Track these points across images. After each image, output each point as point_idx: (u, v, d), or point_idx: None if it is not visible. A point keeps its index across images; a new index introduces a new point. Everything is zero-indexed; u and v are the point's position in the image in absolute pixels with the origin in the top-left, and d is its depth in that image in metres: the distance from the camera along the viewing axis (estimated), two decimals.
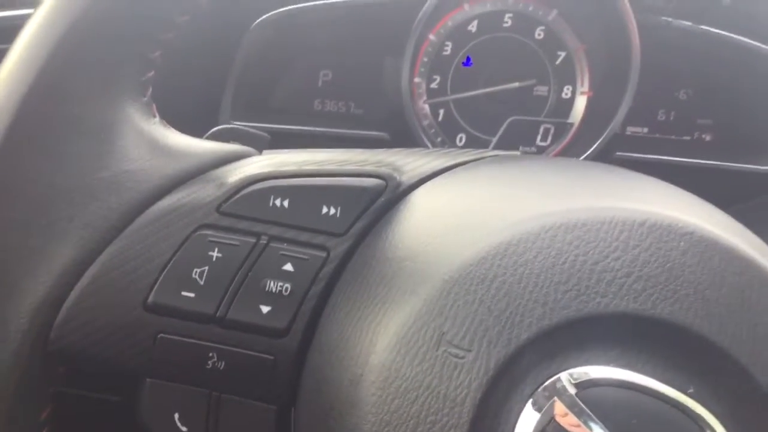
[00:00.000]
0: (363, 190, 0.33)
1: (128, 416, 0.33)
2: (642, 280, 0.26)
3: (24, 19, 0.32)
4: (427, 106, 0.70)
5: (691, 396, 0.26)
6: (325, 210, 0.33)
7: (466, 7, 0.68)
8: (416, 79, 0.69)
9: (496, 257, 0.27)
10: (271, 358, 0.32)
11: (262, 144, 0.38)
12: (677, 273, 0.27)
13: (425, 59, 0.69)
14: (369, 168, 0.34)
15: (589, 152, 0.69)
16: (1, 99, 0.30)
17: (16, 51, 0.31)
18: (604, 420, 0.25)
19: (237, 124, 0.54)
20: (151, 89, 0.34)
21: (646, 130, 0.73)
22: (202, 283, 0.31)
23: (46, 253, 0.31)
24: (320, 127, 0.69)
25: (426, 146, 0.69)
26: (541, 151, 0.71)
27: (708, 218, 0.29)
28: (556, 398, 0.26)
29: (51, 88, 0.30)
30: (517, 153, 0.38)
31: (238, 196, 0.33)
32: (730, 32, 0.66)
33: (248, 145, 0.37)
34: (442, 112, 0.71)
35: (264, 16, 0.65)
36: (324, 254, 0.32)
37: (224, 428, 0.33)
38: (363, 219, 0.33)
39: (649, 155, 0.70)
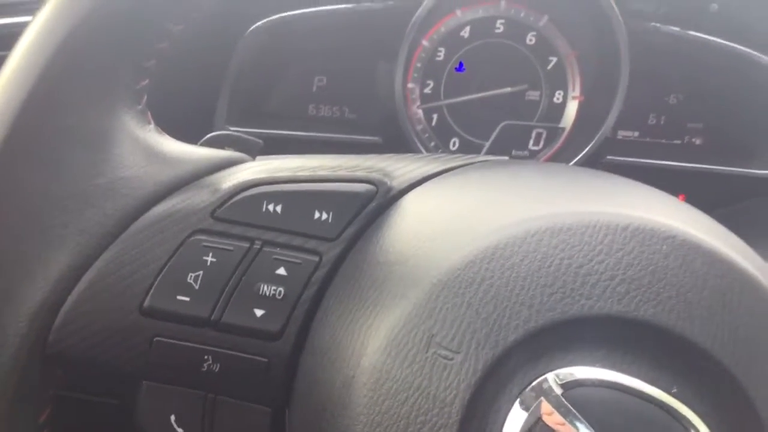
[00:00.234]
0: (354, 195, 0.33)
1: (125, 418, 0.34)
2: (625, 282, 0.27)
3: (22, 26, 0.32)
4: (420, 111, 0.71)
5: (674, 396, 0.26)
6: (317, 215, 0.33)
7: (459, 13, 0.69)
8: (410, 85, 0.70)
9: (484, 261, 0.28)
10: (265, 360, 0.32)
11: (255, 150, 0.38)
12: (660, 276, 0.27)
13: (418, 65, 0.70)
14: (360, 173, 0.34)
15: (580, 156, 0.69)
16: None
17: (13, 60, 0.31)
18: (589, 419, 0.26)
19: (232, 130, 0.55)
20: (146, 97, 0.35)
21: (636, 134, 0.74)
22: (196, 287, 0.32)
23: (42, 259, 0.31)
24: (315, 132, 0.70)
25: (419, 151, 0.69)
26: (533, 155, 0.71)
27: (691, 222, 0.30)
28: (542, 398, 0.26)
29: (47, 96, 0.31)
30: (506, 158, 0.38)
31: (231, 201, 0.33)
32: (719, 38, 0.67)
33: (242, 150, 0.38)
34: (435, 116, 0.72)
35: (259, 23, 0.66)
36: (316, 258, 0.33)
37: (219, 430, 0.33)
38: (354, 224, 0.33)
39: (640, 159, 0.71)
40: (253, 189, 0.33)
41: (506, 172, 0.36)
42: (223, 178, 0.34)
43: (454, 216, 0.31)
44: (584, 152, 0.69)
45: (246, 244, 0.33)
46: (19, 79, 0.31)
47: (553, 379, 0.26)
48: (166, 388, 0.33)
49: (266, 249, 0.33)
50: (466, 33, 0.70)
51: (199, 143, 0.38)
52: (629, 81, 0.67)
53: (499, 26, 0.70)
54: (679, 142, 0.74)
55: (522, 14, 0.69)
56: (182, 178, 0.34)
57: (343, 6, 0.67)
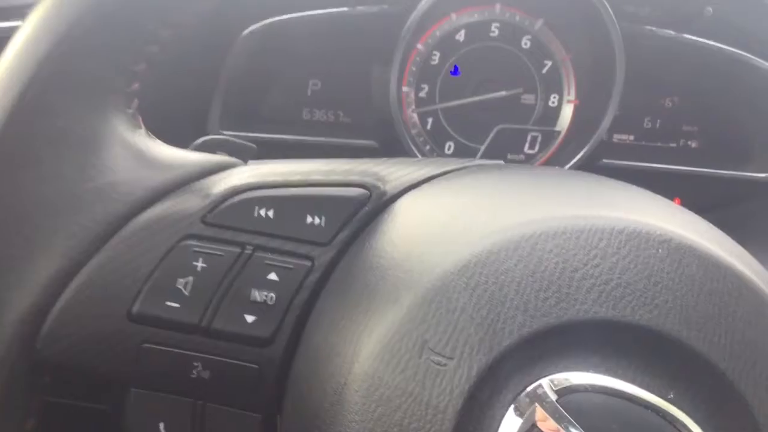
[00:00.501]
0: (347, 199, 0.33)
1: (114, 426, 0.33)
2: (621, 287, 0.27)
3: (11, 31, 0.32)
4: (415, 115, 0.71)
5: (671, 401, 0.26)
6: (309, 219, 0.33)
7: (454, 16, 0.69)
8: (405, 88, 0.70)
9: (478, 266, 0.27)
10: (256, 367, 0.32)
11: (248, 154, 0.38)
12: (656, 280, 0.27)
13: (413, 68, 0.70)
14: (353, 178, 0.34)
15: (575, 160, 0.69)
16: None
17: (2, 63, 0.31)
18: (584, 426, 0.25)
19: (226, 134, 0.54)
20: (136, 101, 0.34)
21: (632, 137, 0.74)
22: (186, 293, 0.32)
23: (30, 263, 0.31)
24: (309, 136, 0.69)
25: (415, 155, 0.69)
26: (528, 158, 0.71)
27: (687, 225, 0.30)
28: (537, 404, 0.26)
29: (36, 100, 0.31)
30: (500, 162, 0.38)
31: (222, 206, 0.33)
32: (713, 41, 0.67)
33: (234, 155, 0.37)
34: (430, 120, 0.71)
35: (253, 27, 0.65)
36: (309, 263, 0.32)
37: None
38: (347, 228, 0.33)
39: (635, 162, 0.70)
40: (245, 194, 0.33)
41: (500, 176, 0.36)
42: (214, 183, 0.34)
43: (447, 220, 0.31)
44: (580, 156, 0.69)
45: (237, 249, 0.32)
46: (8, 83, 0.31)
47: (547, 384, 0.26)
48: (155, 395, 0.32)
49: (257, 254, 0.32)
50: (461, 37, 0.70)
51: (190, 147, 0.38)
52: (624, 84, 0.67)
53: (494, 30, 0.70)
54: (674, 145, 0.74)
55: (517, 18, 0.69)
56: (172, 182, 0.33)
57: (337, 10, 0.67)
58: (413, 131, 0.71)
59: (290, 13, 0.66)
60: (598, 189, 0.34)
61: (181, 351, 0.32)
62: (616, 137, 0.73)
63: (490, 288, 0.27)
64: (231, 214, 0.33)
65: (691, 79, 0.70)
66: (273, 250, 0.32)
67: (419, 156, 0.69)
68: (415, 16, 0.66)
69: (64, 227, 0.31)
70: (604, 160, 0.70)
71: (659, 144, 0.74)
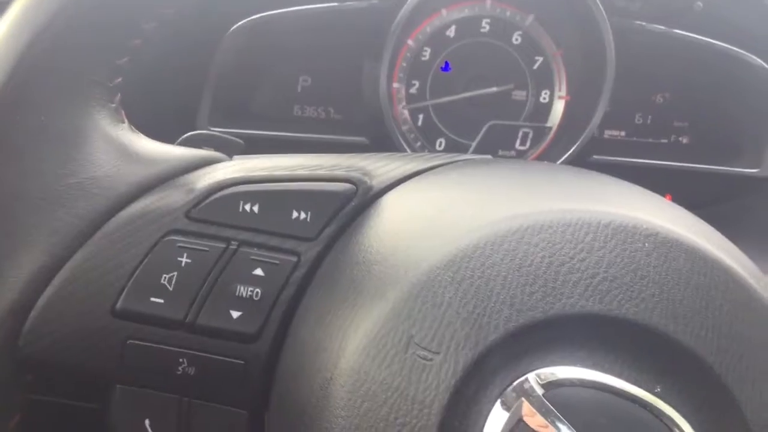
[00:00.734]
0: (333, 194, 0.33)
1: (99, 423, 0.33)
2: (607, 281, 0.27)
3: None
4: (406, 111, 0.71)
5: (657, 395, 0.26)
6: (295, 215, 0.33)
7: (444, 12, 0.69)
8: (395, 85, 0.69)
9: (464, 260, 0.27)
10: (242, 363, 0.32)
11: (234, 149, 0.38)
12: (642, 274, 0.27)
13: (404, 64, 0.69)
14: (340, 173, 0.34)
15: (567, 155, 0.69)
16: None
17: None
18: (571, 420, 0.25)
19: (216, 131, 0.54)
20: (119, 95, 0.34)
21: (623, 133, 0.73)
22: (171, 288, 0.31)
23: (12, 260, 0.30)
24: (300, 133, 0.69)
25: (405, 151, 0.69)
26: (519, 154, 0.71)
27: (674, 220, 0.30)
28: (524, 399, 0.26)
29: (17, 95, 0.30)
30: (488, 157, 0.38)
31: (207, 201, 0.32)
32: (704, 36, 0.67)
33: (220, 150, 0.37)
34: (421, 116, 0.71)
35: (241, 22, 0.65)
36: (294, 259, 0.32)
37: None
38: (333, 223, 0.33)
39: (626, 158, 0.70)
40: (230, 188, 0.33)
41: (487, 170, 0.35)
42: (199, 178, 0.33)
43: (434, 215, 0.31)
44: (571, 152, 0.69)
45: (222, 245, 0.32)
46: None
47: (534, 379, 0.26)
48: (140, 391, 0.32)
49: (243, 249, 0.32)
50: (451, 32, 0.69)
51: (176, 143, 0.37)
52: (615, 80, 0.67)
53: (485, 26, 0.69)
54: (665, 141, 0.74)
55: (508, 13, 0.69)
56: (156, 177, 0.33)
57: (326, 5, 0.66)
58: (404, 128, 0.71)
59: (279, 8, 0.66)
60: (584, 183, 0.34)
61: (166, 347, 0.31)
62: (607, 133, 0.73)
63: (476, 282, 0.27)
64: (216, 209, 0.32)
65: (682, 74, 0.70)
66: (259, 246, 0.32)
67: (409, 152, 0.69)
68: (404, 11, 0.65)
69: (46, 223, 0.31)
70: (595, 156, 0.70)
71: (650, 140, 0.74)
